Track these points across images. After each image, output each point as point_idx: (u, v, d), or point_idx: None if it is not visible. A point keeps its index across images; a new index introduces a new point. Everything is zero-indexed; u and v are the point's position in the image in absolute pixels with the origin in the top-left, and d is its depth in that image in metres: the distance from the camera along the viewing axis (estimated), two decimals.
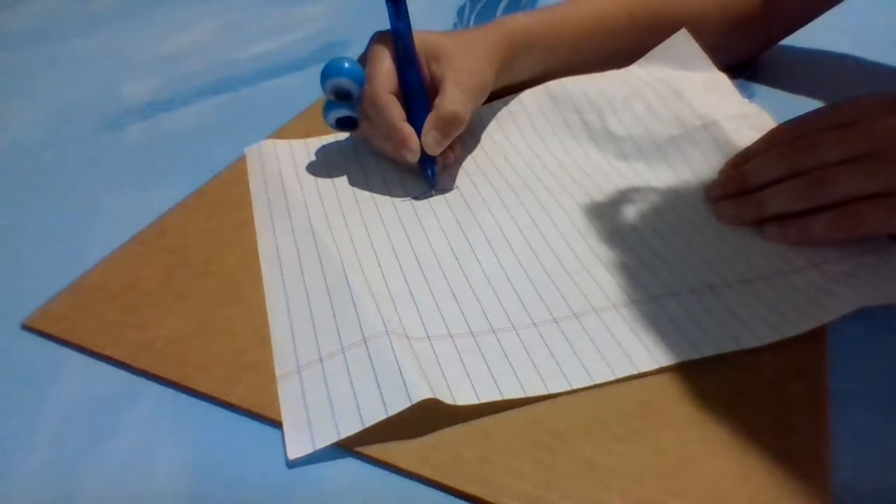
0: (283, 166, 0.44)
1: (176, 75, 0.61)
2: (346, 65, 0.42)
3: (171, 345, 0.32)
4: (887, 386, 0.29)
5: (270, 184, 0.43)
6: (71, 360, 0.32)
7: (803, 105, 0.49)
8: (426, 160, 0.41)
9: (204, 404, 0.30)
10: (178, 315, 0.34)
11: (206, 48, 0.67)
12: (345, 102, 0.44)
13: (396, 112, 0.40)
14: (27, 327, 0.34)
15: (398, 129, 0.40)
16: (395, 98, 0.41)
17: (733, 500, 0.25)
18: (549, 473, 0.26)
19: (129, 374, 0.32)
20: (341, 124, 0.45)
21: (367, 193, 0.42)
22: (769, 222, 0.36)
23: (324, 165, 0.44)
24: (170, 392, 0.31)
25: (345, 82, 0.43)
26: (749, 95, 0.50)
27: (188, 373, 0.31)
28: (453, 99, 0.40)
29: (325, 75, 0.43)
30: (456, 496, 0.26)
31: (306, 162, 0.45)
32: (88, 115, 0.55)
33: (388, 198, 0.41)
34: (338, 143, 0.47)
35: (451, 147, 0.43)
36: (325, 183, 0.43)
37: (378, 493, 0.26)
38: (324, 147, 0.46)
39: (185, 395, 0.30)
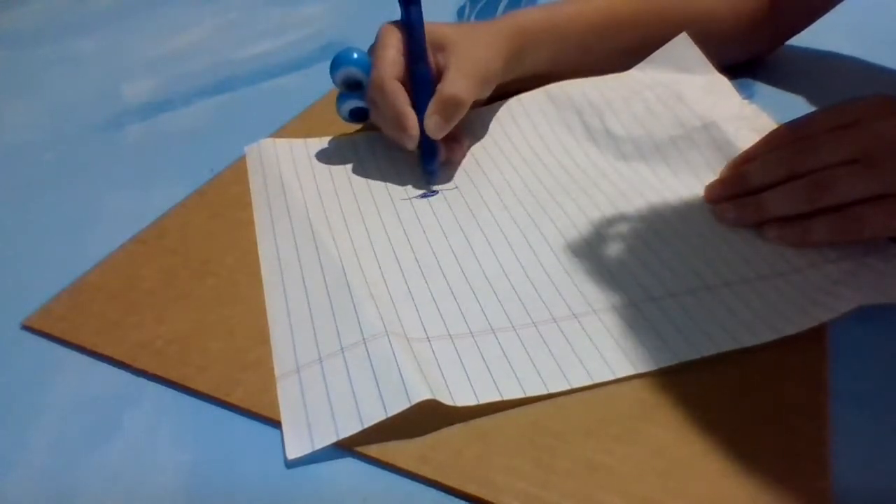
0: (282, 166, 0.44)
1: (176, 75, 0.61)
2: (355, 55, 0.43)
3: (171, 345, 0.32)
4: (887, 386, 0.29)
5: (270, 183, 0.43)
6: (71, 360, 0.32)
7: (803, 105, 0.49)
8: (427, 153, 0.42)
9: (204, 404, 0.30)
10: (178, 315, 0.34)
11: (206, 48, 0.67)
12: (356, 93, 0.44)
13: (401, 97, 0.40)
14: (27, 327, 0.34)
15: (401, 113, 0.40)
16: (399, 84, 0.41)
17: (733, 500, 0.25)
18: (548, 473, 0.26)
19: (129, 374, 0.32)
20: (354, 116, 0.46)
21: (366, 193, 0.42)
22: (768, 224, 0.36)
23: (324, 165, 0.44)
24: (170, 392, 0.31)
25: (354, 72, 0.43)
26: (749, 95, 0.50)
27: (188, 373, 0.31)
28: (454, 83, 0.40)
29: (334, 65, 0.43)
30: (456, 496, 0.26)
31: (306, 162, 0.45)
32: (88, 115, 0.55)
33: (388, 198, 0.41)
34: (338, 143, 0.47)
35: (458, 142, 0.44)
36: (324, 183, 0.43)
37: (378, 493, 0.26)
38: (324, 147, 0.46)
39: (185, 395, 0.30)
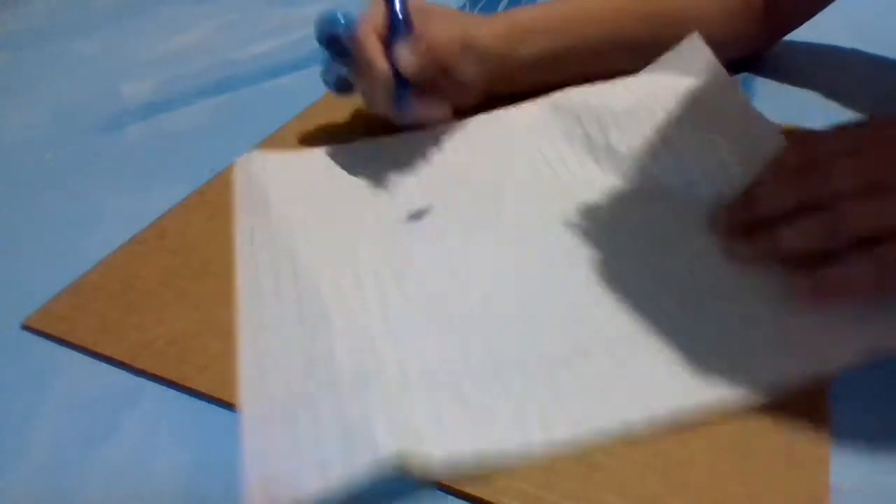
0: (269, 188, 0.42)
1: (176, 75, 0.61)
2: (342, 19, 0.42)
3: (171, 345, 0.32)
4: (887, 386, 0.29)
5: (256, 209, 0.40)
6: (71, 360, 0.32)
7: (804, 101, 0.49)
8: (399, 86, 0.41)
9: (204, 404, 0.30)
10: (177, 315, 0.34)
11: (206, 48, 0.67)
12: (341, 59, 0.43)
13: (375, 46, 0.40)
14: (27, 327, 0.34)
15: (372, 55, 0.40)
16: (376, 37, 0.41)
17: (733, 499, 0.25)
18: (549, 473, 0.26)
19: (129, 374, 0.32)
20: (340, 87, 0.45)
21: (355, 217, 0.40)
22: (799, 278, 0.32)
23: (310, 186, 0.42)
24: (170, 392, 0.31)
25: (334, 23, 0.42)
26: (751, 92, 0.50)
27: (188, 373, 0.31)
28: (430, 28, 0.41)
29: (319, 23, 0.42)
30: (456, 496, 0.26)
31: (293, 181, 0.43)
32: (88, 115, 0.55)
33: (376, 223, 0.39)
34: (326, 160, 0.45)
35: (438, 105, 0.43)
36: (311, 205, 0.41)
37: (377, 493, 0.26)
38: (312, 165, 0.45)
39: (185, 395, 0.30)
